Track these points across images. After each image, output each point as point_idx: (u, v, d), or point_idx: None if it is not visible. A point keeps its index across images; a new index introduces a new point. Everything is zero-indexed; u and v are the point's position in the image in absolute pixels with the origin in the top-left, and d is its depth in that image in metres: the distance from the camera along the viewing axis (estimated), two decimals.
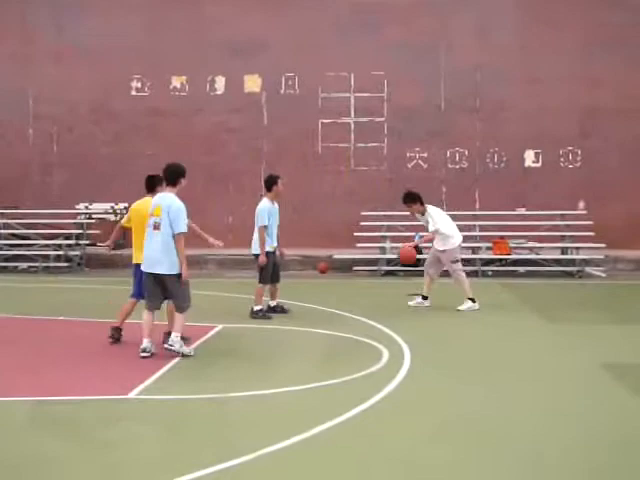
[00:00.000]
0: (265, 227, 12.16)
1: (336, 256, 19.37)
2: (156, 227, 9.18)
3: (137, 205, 10.09)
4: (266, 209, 12.18)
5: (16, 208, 21.57)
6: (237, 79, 22.58)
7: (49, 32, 22.99)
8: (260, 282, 12.14)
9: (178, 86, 22.86)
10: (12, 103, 23.08)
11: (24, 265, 19.94)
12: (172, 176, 9.48)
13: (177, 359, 8.79)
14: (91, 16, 22.83)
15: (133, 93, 22.96)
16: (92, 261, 20.29)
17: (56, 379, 8.03)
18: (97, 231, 20.56)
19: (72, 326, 11.33)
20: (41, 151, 23.08)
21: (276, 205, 12.47)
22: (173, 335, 8.98)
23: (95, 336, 10.49)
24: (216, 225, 21.88)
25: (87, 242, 20.35)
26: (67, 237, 20.22)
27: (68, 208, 21.58)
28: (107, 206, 22.26)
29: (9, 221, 21.00)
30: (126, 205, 22.39)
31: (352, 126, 22.41)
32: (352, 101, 22.38)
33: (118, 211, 22.25)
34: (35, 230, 20.87)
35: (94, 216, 21.56)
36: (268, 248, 12.23)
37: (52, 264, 19.65)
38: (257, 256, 12.21)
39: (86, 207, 22.16)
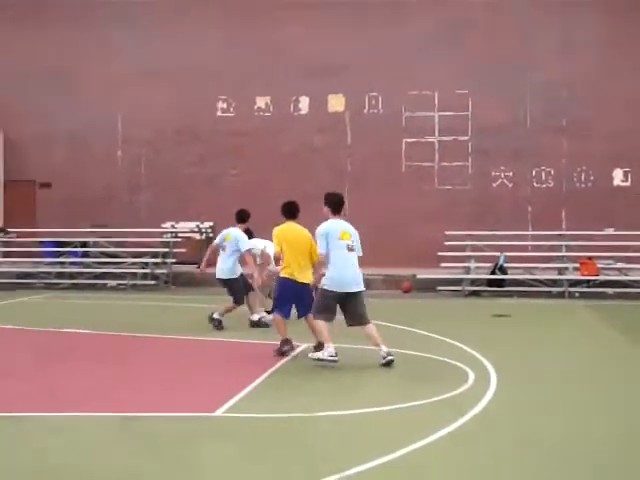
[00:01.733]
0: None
1: (419, 276, 19.25)
2: (350, 249, 9.84)
3: (287, 231, 10.66)
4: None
5: (105, 227, 22.05)
6: (321, 99, 22.76)
7: (136, 55, 23.54)
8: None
9: (262, 106, 23.15)
10: (102, 127, 23.70)
11: (113, 283, 20.35)
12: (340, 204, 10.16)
13: (263, 376, 8.84)
14: (178, 36, 23.32)
15: (219, 114, 23.33)
16: (178, 279, 20.61)
17: (145, 396, 8.14)
18: (183, 249, 20.89)
19: (160, 343, 11.49)
20: (129, 172, 23.62)
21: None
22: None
23: (182, 353, 10.66)
24: None
25: (173, 260, 20.67)
26: (154, 255, 20.56)
27: (155, 227, 21.97)
28: (193, 225, 22.58)
29: (99, 239, 21.47)
30: (211, 224, 22.72)
31: (436, 145, 22.33)
32: (436, 120, 22.31)
33: (203, 230, 22.57)
34: (123, 248, 21.29)
35: (180, 234, 21.89)
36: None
37: (139, 282, 20.00)
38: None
39: (172, 226, 22.52)
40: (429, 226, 21.19)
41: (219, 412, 7.32)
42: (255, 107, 23.14)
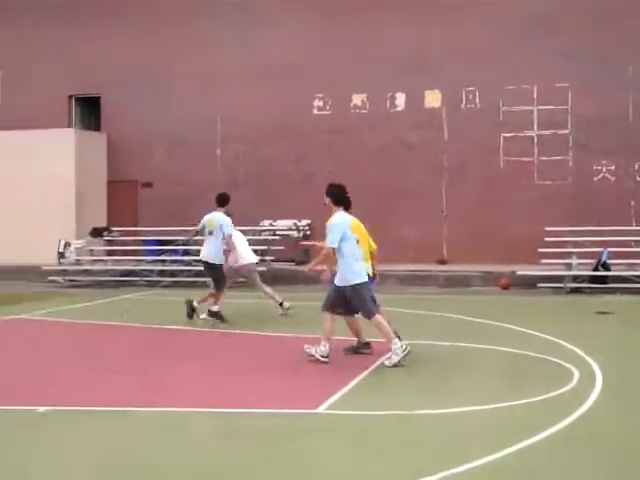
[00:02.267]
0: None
1: (519, 272, 18.97)
2: (358, 242, 9.81)
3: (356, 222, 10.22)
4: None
5: None
6: (417, 95, 22.64)
7: (235, 55, 23.84)
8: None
9: (359, 104, 23.16)
10: (202, 126, 24.09)
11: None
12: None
13: (364, 373, 8.86)
14: (274, 35, 23.52)
15: (315, 112, 23.45)
16: (277, 276, 20.77)
17: (248, 392, 8.26)
18: (281, 247, 21.07)
19: (262, 340, 11.64)
20: (228, 171, 23.93)
21: None
22: None
23: (285, 351, 10.76)
24: (394, 240, 21.98)
25: (272, 258, 20.86)
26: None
27: (253, 225, 22.22)
28: (290, 223, 22.77)
29: (198, 238, 21.77)
30: (308, 222, 22.88)
31: (535, 139, 21.96)
32: (535, 114, 21.94)
33: (301, 228, 22.73)
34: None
35: (278, 232, 22.09)
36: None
37: (240, 279, 20.20)
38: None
39: (270, 224, 22.75)
40: (528, 222, 20.86)
41: (321, 409, 7.37)
42: (351, 104, 23.18)
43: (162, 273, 21.27)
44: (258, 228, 22.21)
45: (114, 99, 25.06)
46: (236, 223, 21.85)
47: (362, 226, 10.27)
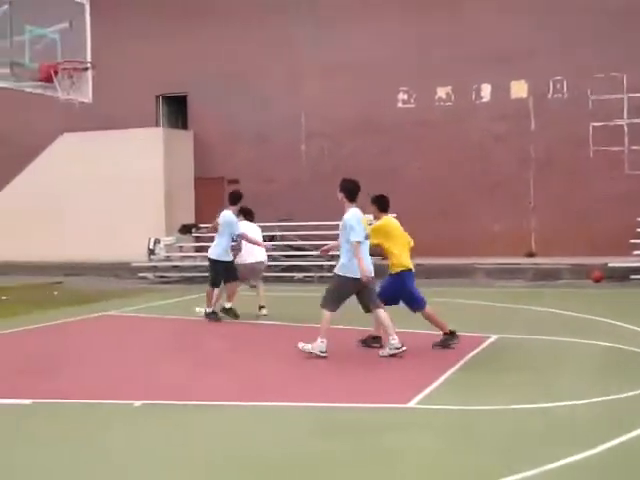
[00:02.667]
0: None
1: (611, 264, 18.56)
2: (367, 238, 9.99)
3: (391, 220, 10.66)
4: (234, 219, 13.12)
5: (290, 220, 22.55)
6: (503, 86, 22.34)
7: (317, 48, 23.91)
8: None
9: (443, 96, 22.98)
10: (286, 121, 24.26)
11: (300, 275, 20.79)
12: None
13: (455, 368, 8.81)
14: (356, 30, 23.52)
15: (399, 105, 23.36)
16: None
17: (339, 386, 8.29)
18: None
19: (346, 334, 11.64)
20: (313, 166, 24.02)
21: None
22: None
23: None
24: (483, 233, 21.81)
25: None
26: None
27: (339, 220, 22.21)
28: None
29: (285, 233, 21.99)
30: (394, 215, 22.78)
31: (625, 128, 21.44)
32: (625, 102, 21.42)
33: None
34: (309, 241, 21.68)
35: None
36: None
37: (326, 274, 20.30)
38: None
39: None
40: (620, 213, 20.40)
41: (412, 403, 7.35)
42: (436, 97, 23.01)
43: None
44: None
45: (200, 98, 25.42)
46: (322, 218, 22.09)
47: (398, 223, 10.69)
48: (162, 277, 21.64)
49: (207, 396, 7.84)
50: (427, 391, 7.77)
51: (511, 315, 13.43)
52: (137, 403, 7.52)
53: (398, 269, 10.20)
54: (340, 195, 10.11)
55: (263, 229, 21.57)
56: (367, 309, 9.97)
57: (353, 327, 11.94)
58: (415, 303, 10.25)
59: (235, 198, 13.58)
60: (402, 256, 10.29)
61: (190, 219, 24.55)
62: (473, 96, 22.68)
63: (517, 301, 14.94)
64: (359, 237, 9.67)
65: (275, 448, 6.19)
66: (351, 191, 10.11)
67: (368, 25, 23.43)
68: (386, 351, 9.60)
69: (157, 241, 22.14)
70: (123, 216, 23.47)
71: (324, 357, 9.50)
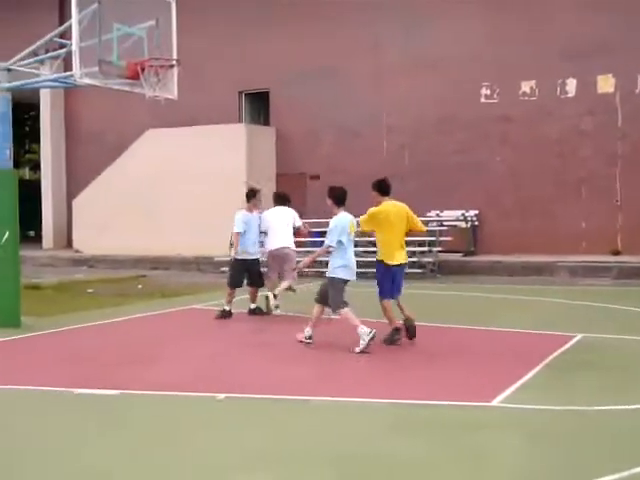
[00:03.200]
0: (239, 234, 13.11)
1: None
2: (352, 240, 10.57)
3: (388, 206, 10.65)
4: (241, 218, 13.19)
5: None
6: (589, 80, 21.90)
7: (400, 45, 23.86)
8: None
9: (527, 91, 22.65)
10: (368, 117, 24.26)
11: None
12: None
13: (538, 367, 8.69)
14: (439, 26, 23.36)
15: (482, 100, 23.12)
16: (444, 267, 20.69)
17: (420, 383, 8.27)
18: (449, 238, 20.93)
19: (427, 331, 11.61)
20: (394, 162, 23.94)
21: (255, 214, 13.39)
22: None
23: (450, 341, 10.72)
24: (568, 230, 21.46)
25: (439, 249, 20.77)
26: (420, 244, 20.76)
27: (420, 216, 22.01)
28: (458, 213, 22.59)
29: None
30: (476, 212, 22.65)
31: None
32: None
33: (469, 218, 22.52)
34: None
35: (445, 223, 21.95)
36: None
37: (406, 270, 20.20)
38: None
39: (437, 215, 22.64)
40: None
41: (495, 402, 7.29)
42: (520, 92, 22.69)
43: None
44: (424, 219, 22.10)
45: (282, 94, 25.59)
46: None
47: (400, 211, 10.74)
48: None
49: (289, 390, 7.90)
50: (511, 390, 7.69)
51: (596, 314, 13.19)
52: (221, 396, 7.62)
53: (380, 258, 10.64)
54: (329, 202, 10.56)
55: None
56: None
57: (433, 324, 11.92)
58: (380, 292, 10.66)
59: (247, 196, 13.81)
60: (388, 249, 10.59)
61: None
62: (558, 91, 22.30)
63: (602, 300, 14.66)
64: (330, 242, 10.31)
65: (357, 444, 6.20)
66: (338, 197, 10.53)
67: (451, 21, 23.24)
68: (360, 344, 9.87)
69: None
70: (206, 211, 23.74)
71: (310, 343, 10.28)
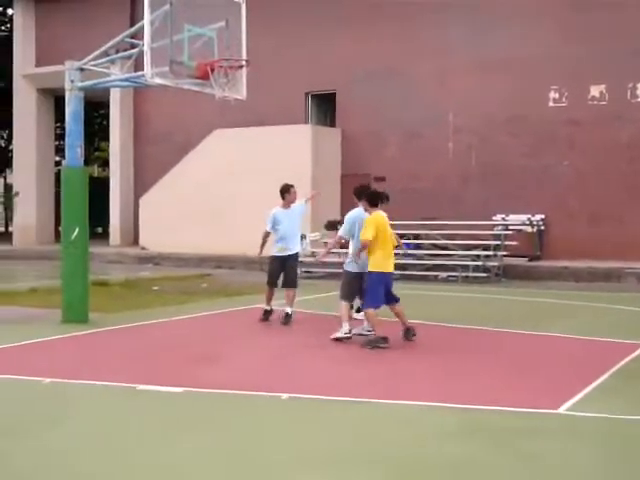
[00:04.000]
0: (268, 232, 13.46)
1: None
2: None
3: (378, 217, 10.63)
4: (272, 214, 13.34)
5: (435, 219, 22.40)
6: None
7: (467, 46, 23.70)
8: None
9: (597, 95, 22.31)
10: (433, 118, 24.15)
11: (444, 274, 20.65)
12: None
13: (605, 375, 8.55)
14: (507, 27, 23.16)
15: (550, 104, 22.84)
16: (509, 272, 20.49)
17: (484, 389, 8.19)
18: (514, 242, 20.71)
19: (492, 336, 11.52)
20: (460, 164, 23.81)
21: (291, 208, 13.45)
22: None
23: (516, 347, 10.62)
24: (636, 236, 21.11)
25: (505, 253, 20.57)
26: (485, 248, 20.59)
27: (485, 219, 21.99)
28: (524, 217, 22.34)
29: (429, 232, 21.87)
30: (543, 217, 22.37)
31: None
32: None
33: (535, 222, 22.28)
34: (454, 241, 21.51)
35: (511, 227, 21.74)
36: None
37: (471, 274, 20.11)
38: None
39: (503, 218, 22.44)
40: None
41: (562, 409, 7.18)
42: (589, 96, 22.35)
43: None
44: (490, 222, 21.97)
45: (349, 95, 25.60)
46: (468, 217, 21.80)
47: (386, 221, 10.75)
48: (308, 272, 21.89)
49: (349, 392, 7.88)
50: (577, 398, 7.57)
51: None
52: (284, 396, 7.65)
53: (371, 269, 10.51)
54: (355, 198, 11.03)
55: (408, 227, 21.63)
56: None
57: (497, 329, 11.82)
58: (365, 300, 10.77)
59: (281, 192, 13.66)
60: (384, 258, 10.53)
61: (336, 215, 24.70)
62: (628, 95, 21.91)
63: None
64: (341, 233, 11.14)
65: (416, 449, 6.17)
66: (359, 194, 10.92)
67: (519, 22, 23.01)
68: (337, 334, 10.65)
69: (303, 236, 22.32)
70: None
71: (349, 337, 10.61)
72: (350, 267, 10.87)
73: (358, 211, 10.85)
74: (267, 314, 12.89)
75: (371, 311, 10.47)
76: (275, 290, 12.95)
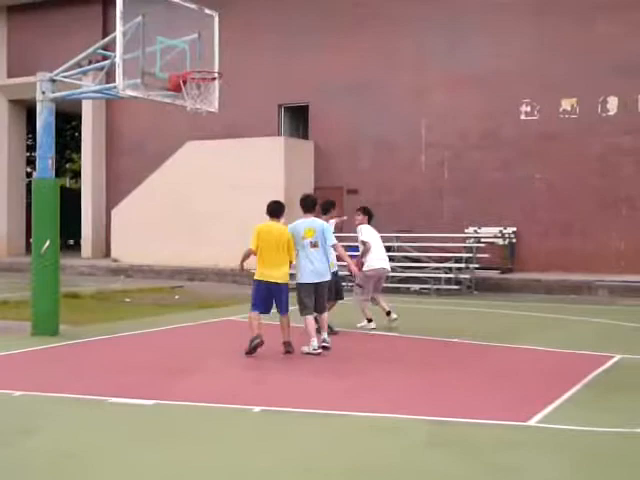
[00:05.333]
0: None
1: None
2: (314, 245, 10.74)
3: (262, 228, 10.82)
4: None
5: (409, 232, 22.47)
6: (630, 99, 21.72)
7: (440, 60, 23.85)
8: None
9: (568, 109, 22.51)
10: (406, 131, 24.24)
11: (416, 287, 20.70)
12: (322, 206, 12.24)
13: (576, 388, 8.59)
14: (480, 42, 23.34)
15: (522, 117, 23.00)
16: (481, 284, 20.58)
17: (455, 401, 8.19)
18: (486, 255, 20.82)
19: (463, 348, 11.55)
20: (432, 177, 23.92)
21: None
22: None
23: (486, 359, 10.65)
24: (607, 249, 21.29)
25: (476, 265, 20.66)
26: (457, 260, 20.68)
27: (458, 232, 22.10)
28: (496, 230, 22.48)
29: (403, 244, 21.92)
30: (514, 229, 22.50)
31: None
32: None
33: (506, 235, 22.41)
34: (427, 253, 21.58)
35: (483, 240, 21.85)
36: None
37: (443, 286, 20.19)
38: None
39: (475, 231, 22.55)
40: None
41: (533, 421, 7.20)
42: (560, 109, 22.54)
43: None
44: (462, 235, 22.08)
45: (322, 108, 25.64)
46: (441, 230, 21.86)
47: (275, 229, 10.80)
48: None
49: (322, 404, 7.87)
50: (548, 410, 7.59)
51: (635, 334, 13.02)
52: (256, 409, 7.62)
53: (255, 277, 10.74)
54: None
55: (382, 240, 21.62)
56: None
57: (468, 341, 11.86)
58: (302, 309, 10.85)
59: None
60: (261, 267, 10.66)
61: None
62: (599, 109, 22.13)
63: None
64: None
65: (388, 460, 6.15)
66: (304, 205, 11.17)
67: (493, 37, 23.21)
68: (306, 349, 10.67)
69: None
70: (243, 223, 23.79)
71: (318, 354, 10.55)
72: (299, 279, 10.88)
73: (311, 221, 10.91)
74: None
75: (252, 314, 10.64)
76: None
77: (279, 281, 10.62)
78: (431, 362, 10.45)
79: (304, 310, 10.79)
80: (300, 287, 10.80)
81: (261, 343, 10.45)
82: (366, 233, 13.29)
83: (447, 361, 10.51)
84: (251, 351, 10.43)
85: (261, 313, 10.69)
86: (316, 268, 10.70)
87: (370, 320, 13.08)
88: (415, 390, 8.74)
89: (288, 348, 10.67)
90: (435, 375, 9.52)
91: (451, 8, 23.80)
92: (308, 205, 11.14)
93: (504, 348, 11.44)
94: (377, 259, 13.34)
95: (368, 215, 13.57)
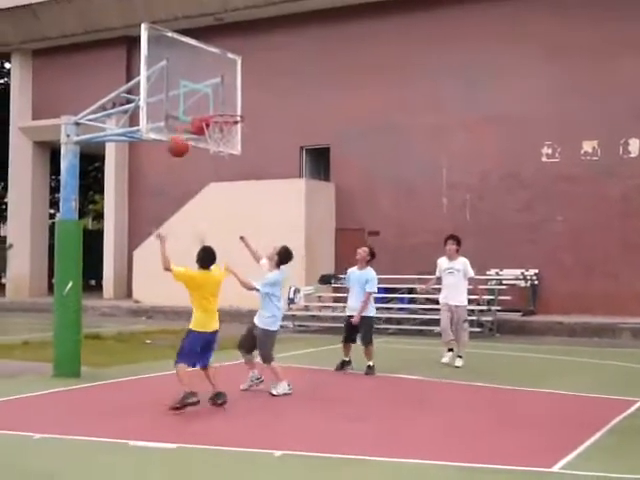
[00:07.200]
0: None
1: None
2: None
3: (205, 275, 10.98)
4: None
5: (430, 274, 22.34)
6: None
7: (461, 102, 23.92)
8: None
9: (589, 150, 22.49)
10: (428, 173, 24.29)
11: (439, 329, 20.52)
12: None
13: (600, 433, 8.49)
14: (501, 84, 23.43)
15: (544, 160, 23.00)
16: (503, 327, 20.45)
17: (476, 446, 8.10)
18: (508, 297, 20.70)
19: (484, 392, 11.45)
20: (454, 219, 23.87)
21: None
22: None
23: (508, 403, 10.55)
24: (630, 291, 21.13)
25: (498, 308, 20.53)
26: (479, 302, 20.55)
27: (480, 274, 21.97)
28: (518, 272, 22.36)
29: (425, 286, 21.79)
30: (536, 271, 22.37)
31: None
32: None
33: (528, 277, 22.29)
34: None
35: (505, 282, 21.73)
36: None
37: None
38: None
39: (497, 273, 22.45)
40: None
41: (556, 468, 7.11)
42: (582, 151, 22.53)
43: (389, 320, 21.41)
44: (484, 277, 21.96)
45: (343, 150, 25.76)
46: None
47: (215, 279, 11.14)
48: (301, 326, 21.84)
49: (347, 449, 7.80)
50: (572, 456, 7.50)
51: None
52: (277, 453, 7.56)
53: (192, 327, 10.56)
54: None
55: (402, 282, 21.65)
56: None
57: (490, 385, 11.76)
58: (180, 355, 10.12)
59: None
60: (200, 317, 10.70)
61: (330, 269, 24.77)
62: (620, 150, 22.10)
63: None
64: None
65: None
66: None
67: (513, 79, 23.30)
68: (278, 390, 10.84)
69: (297, 290, 22.35)
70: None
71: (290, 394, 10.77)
72: (270, 325, 11.47)
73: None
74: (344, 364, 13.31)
75: (182, 366, 9.94)
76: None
77: (216, 328, 10.47)
78: (451, 406, 10.36)
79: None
80: (273, 334, 11.46)
81: (197, 403, 9.63)
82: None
83: (468, 405, 10.41)
84: (180, 407, 9.52)
85: (189, 367, 10.06)
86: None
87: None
88: (438, 435, 8.66)
89: (223, 398, 9.97)
90: (456, 419, 9.43)
91: (469, 52, 23.91)
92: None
93: (525, 392, 11.35)
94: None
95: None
